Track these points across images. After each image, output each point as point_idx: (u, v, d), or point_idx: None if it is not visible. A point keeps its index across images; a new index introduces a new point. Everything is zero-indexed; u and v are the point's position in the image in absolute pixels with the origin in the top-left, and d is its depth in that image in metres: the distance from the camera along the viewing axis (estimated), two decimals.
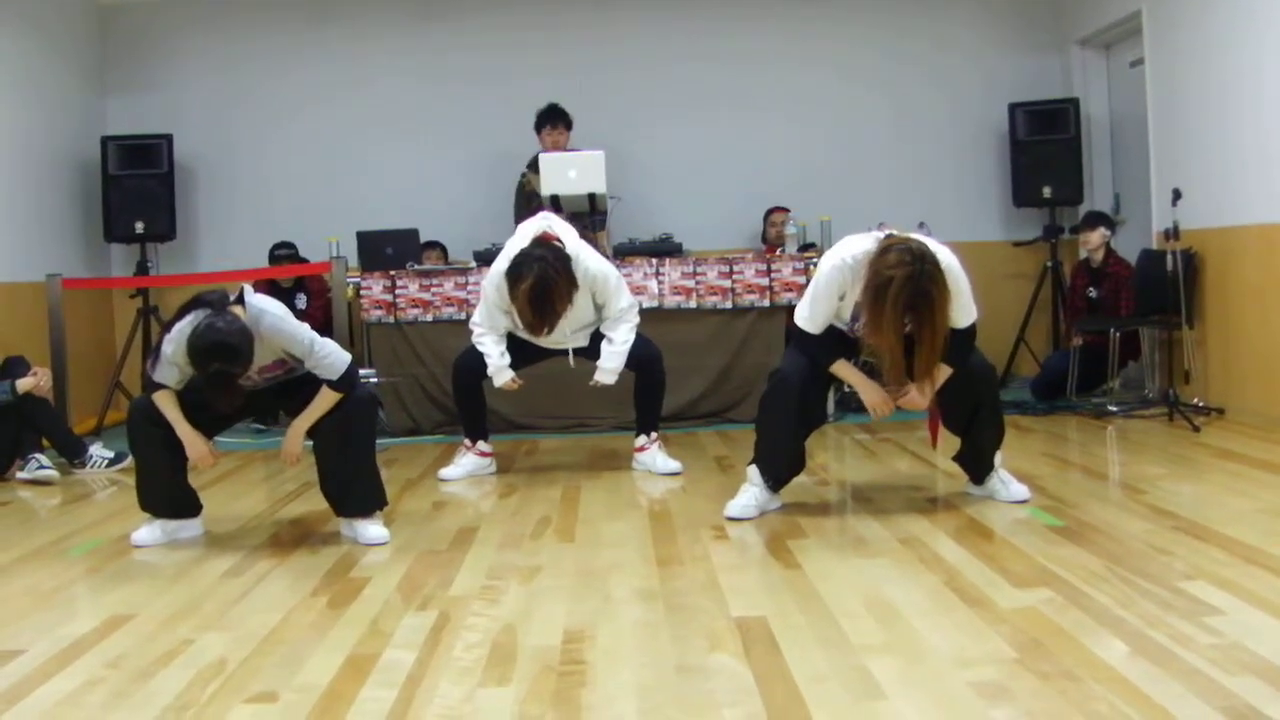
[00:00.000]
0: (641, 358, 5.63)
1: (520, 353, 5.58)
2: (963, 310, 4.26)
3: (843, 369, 4.49)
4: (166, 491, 4.46)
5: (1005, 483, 4.59)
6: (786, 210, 8.04)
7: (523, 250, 5.21)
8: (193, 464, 4.39)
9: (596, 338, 5.59)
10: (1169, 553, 3.70)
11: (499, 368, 5.49)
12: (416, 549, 4.22)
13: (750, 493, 4.54)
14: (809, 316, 4.42)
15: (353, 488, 4.41)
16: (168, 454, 4.37)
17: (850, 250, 4.28)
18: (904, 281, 4.01)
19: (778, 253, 7.83)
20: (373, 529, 4.36)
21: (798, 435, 4.54)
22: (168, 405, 4.29)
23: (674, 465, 5.60)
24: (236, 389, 4.11)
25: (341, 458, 4.37)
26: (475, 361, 5.57)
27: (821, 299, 4.37)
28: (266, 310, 4.22)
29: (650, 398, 5.73)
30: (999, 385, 4.76)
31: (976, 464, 4.64)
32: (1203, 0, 6.79)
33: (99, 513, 5.20)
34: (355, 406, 4.36)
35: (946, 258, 4.17)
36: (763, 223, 8.38)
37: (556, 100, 7.93)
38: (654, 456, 5.65)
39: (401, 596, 3.60)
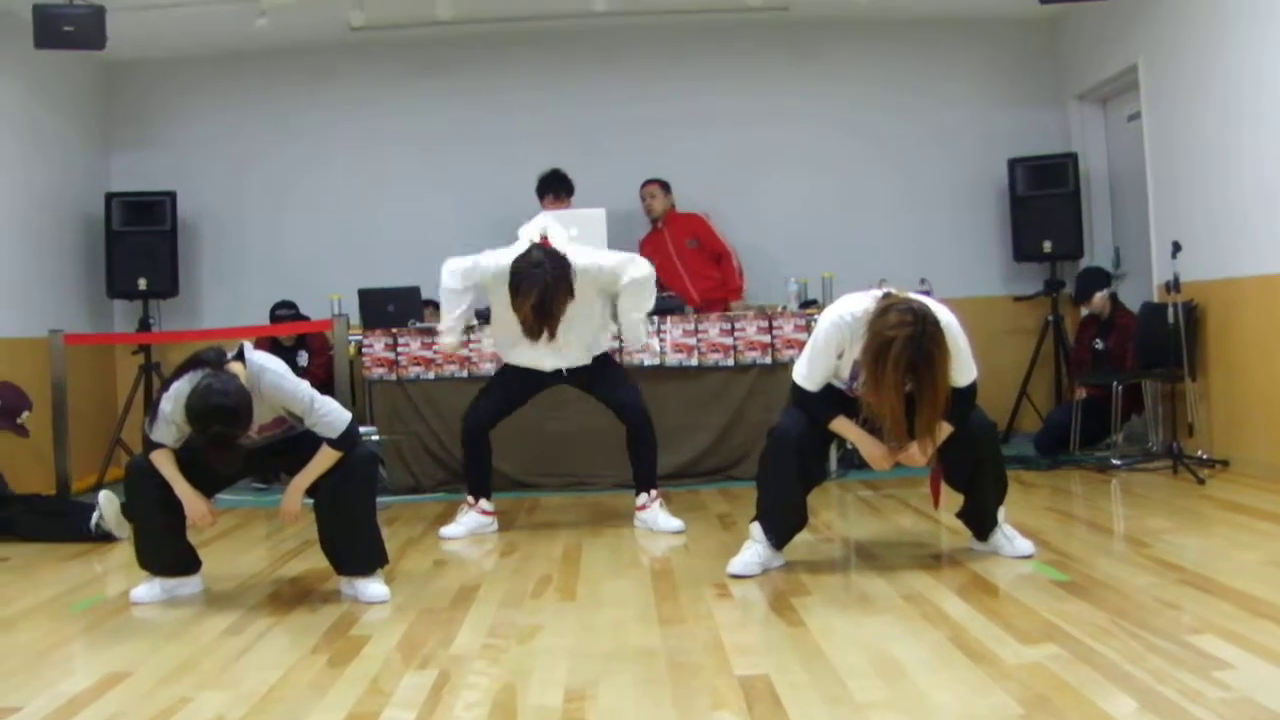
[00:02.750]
0: (631, 412, 5.62)
1: (521, 384, 5.59)
2: (963, 369, 4.26)
3: (842, 425, 4.47)
4: (166, 550, 4.44)
5: (1010, 538, 4.57)
6: (658, 183, 8.18)
7: (522, 256, 5.25)
8: (191, 523, 4.36)
9: (598, 362, 5.59)
10: (1176, 606, 3.67)
11: (450, 328, 5.56)
12: (417, 607, 4.19)
13: (753, 550, 4.51)
14: (807, 375, 4.43)
15: (353, 546, 4.39)
16: (167, 513, 4.35)
17: (849, 308, 4.28)
18: (905, 342, 4.00)
19: (657, 226, 8.11)
20: (373, 587, 4.33)
21: (799, 491, 4.52)
22: (165, 464, 4.28)
23: (676, 524, 5.56)
24: (236, 450, 4.09)
25: (342, 516, 4.35)
26: (484, 417, 5.59)
27: (820, 356, 4.37)
28: (266, 368, 4.21)
29: (643, 455, 5.71)
30: (1000, 442, 4.74)
31: (980, 520, 4.62)
32: (1198, 54, 6.83)
33: (98, 569, 5.18)
34: (355, 465, 4.35)
35: (946, 317, 4.17)
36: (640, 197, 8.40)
37: (559, 162, 7.97)
38: (655, 515, 5.62)
39: (402, 655, 3.57)
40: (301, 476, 4.35)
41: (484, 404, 5.67)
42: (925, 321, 4.04)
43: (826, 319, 4.37)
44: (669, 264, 8.06)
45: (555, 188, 7.91)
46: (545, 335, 5.27)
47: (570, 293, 5.24)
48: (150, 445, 4.28)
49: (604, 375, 5.69)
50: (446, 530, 5.63)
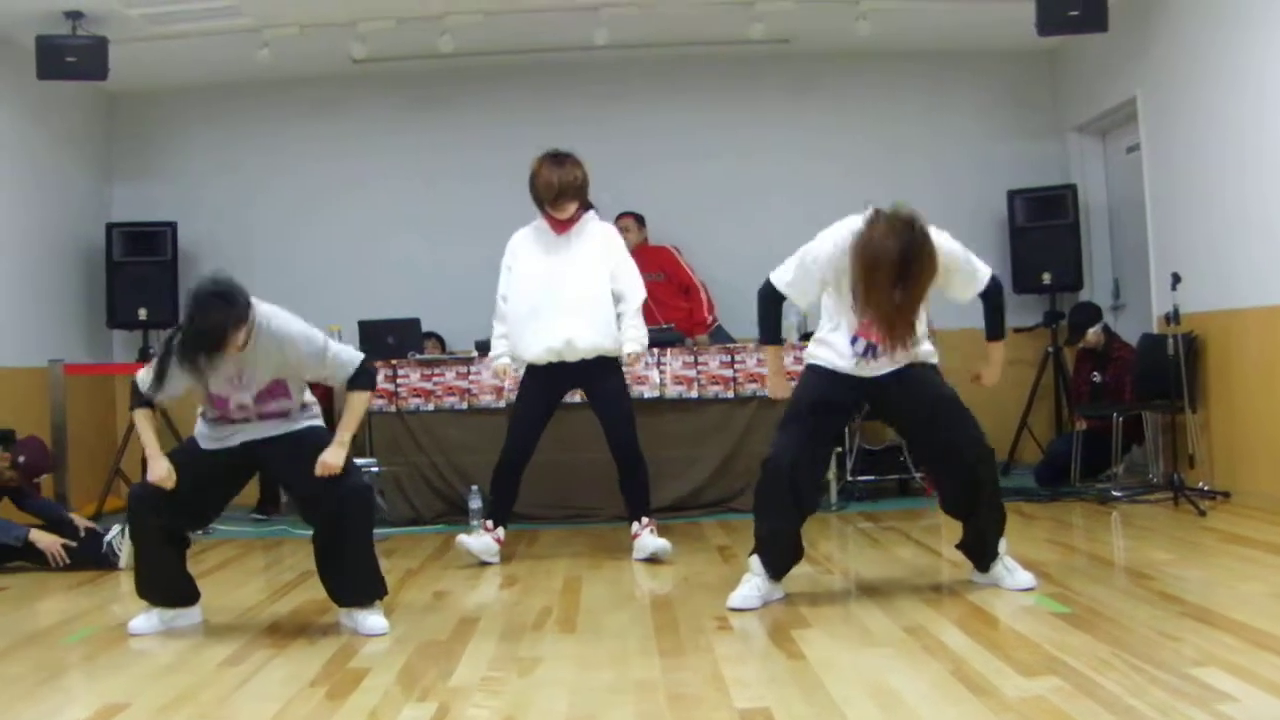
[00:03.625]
0: (625, 452, 5.65)
1: (540, 389, 5.63)
2: (975, 274, 4.40)
3: (771, 353, 4.61)
4: (165, 580, 4.43)
5: (1011, 570, 4.55)
6: (633, 216, 8.23)
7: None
8: (153, 480, 4.25)
9: (606, 364, 5.61)
10: (1178, 639, 3.66)
11: (499, 355, 5.74)
12: (416, 639, 4.17)
13: (752, 583, 4.49)
14: (785, 278, 4.49)
15: (351, 578, 4.37)
16: (167, 545, 4.35)
17: (848, 228, 4.32)
18: (895, 244, 4.07)
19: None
20: (372, 619, 4.32)
21: (794, 522, 4.51)
22: (145, 426, 4.28)
23: (662, 542, 5.59)
24: (229, 349, 4.06)
25: (339, 548, 4.34)
26: (517, 456, 5.64)
27: (805, 269, 4.44)
28: (276, 312, 4.24)
29: (635, 491, 5.73)
30: (997, 469, 4.74)
31: (980, 550, 4.60)
32: (1197, 85, 6.86)
33: (95, 599, 5.16)
34: (351, 497, 4.33)
35: (936, 233, 4.22)
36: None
37: None
38: (647, 540, 5.62)
39: (401, 687, 3.55)
40: (343, 429, 4.34)
41: (516, 433, 5.67)
42: (914, 227, 4.11)
43: (828, 239, 4.39)
44: None
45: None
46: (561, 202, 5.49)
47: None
48: (136, 398, 4.30)
49: (608, 387, 5.68)
50: (467, 539, 5.66)
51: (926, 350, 4.49)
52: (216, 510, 4.53)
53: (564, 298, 5.50)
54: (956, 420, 4.43)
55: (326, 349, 4.28)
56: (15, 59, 7.35)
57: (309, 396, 4.48)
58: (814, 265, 4.41)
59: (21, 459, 5.99)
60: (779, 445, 4.49)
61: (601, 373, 5.63)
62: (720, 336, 7.99)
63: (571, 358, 5.54)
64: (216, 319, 4.01)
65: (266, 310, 4.22)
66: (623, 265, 5.65)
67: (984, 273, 4.48)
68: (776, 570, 4.53)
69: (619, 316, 5.60)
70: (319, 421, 4.47)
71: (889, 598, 4.52)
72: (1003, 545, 4.59)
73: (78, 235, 8.45)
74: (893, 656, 3.68)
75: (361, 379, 4.36)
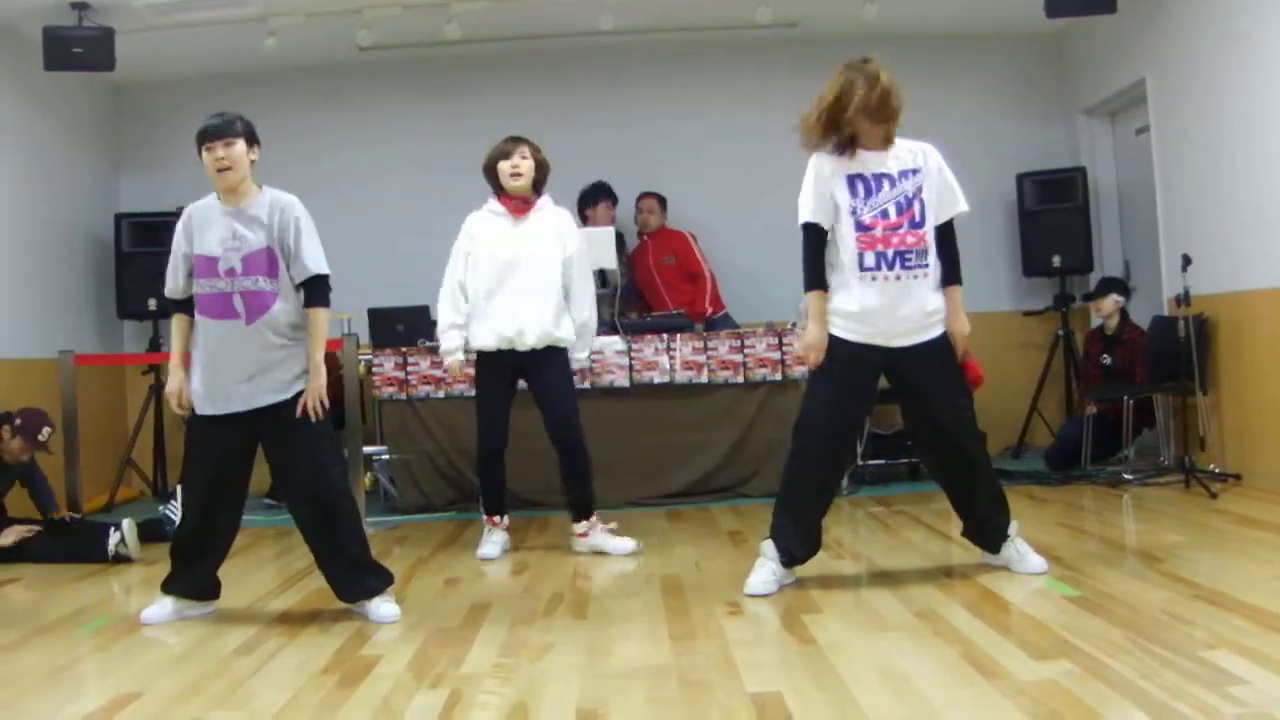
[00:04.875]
0: (561, 429, 5.56)
1: (497, 375, 5.57)
2: (955, 194, 4.47)
3: (816, 300, 4.43)
4: (195, 573, 4.45)
5: (1023, 554, 4.54)
6: (657, 197, 8.29)
7: None
8: (167, 392, 4.43)
9: (553, 355, 5.57)
10: (1190, 622, 3.65)
11: (453, 349, 5.61)
12: (428, 627, 4.18)
13: (767, 568, 4.49)
14: (808, 207, 4.44)
15: (353, 577, 4.39)
16: (205, 536, 4.40)
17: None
18: (865, 71, 4.36)
19: (643, 238, 8.30)
20: (384, 607, 4.33)
21: (816, 517, 4.52)
22: (175, 333, 4.43)
23: (628, 545, 5.52)
24: (233, 142, 4.34)
25: (334, 550, 4.36)
26: (495, 437, 5.57)
27: (810, 186, 4.44)
28: (296, 200, 4.39)
29: (575, 480, 5.64)
30: (986, 447, 4.70)
31: (984, 531, 4.60)
32: (1206, 67, 6.83)
33: (107, 590, 5.18)
34: (330, 497, 4.33)
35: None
36: (636, 209, 8.49)
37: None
38: (601, 539, 5.57)
39: (413, 675, 3.56)
40: (313, 350, 4.32)
41: (486, 419, 5.61)
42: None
43: (816, 157, 4.47)
44: (648, 277, 8.22)
45: (601, 195, 8.19)
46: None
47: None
48: (170, 305, 4.48)
49: (555, 374, 5.59)
50: (486, 552, 5.56)
51: (935, 304, 4.45)
52: (244, 491, 4.49)
53: (519, 285, 5.47)
54: (954, 397, 4.43)
55: (308, 235, 4.32)
56: (22, 50, 7.35)
57: (300, 318, 4.37)
58: (819, 180, 4.41)
59: (18, 421, 6.02)
60: (812, 403, 4.46)
61: (550, 359, 5.57)
62: (719, 329, 7.97)
63: (521, 347, 5.50)
64: (231, 115, 4.39)
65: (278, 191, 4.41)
66: (575, 259, 5.61)
67: (963, 202, 4.49)
68: (791, 559, 4.53)
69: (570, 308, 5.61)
70: (303, 365, 4.35)
71: (900, 582, 4.52)
72: (1013, 528, 4.58)
73: (86, 226, 8.47)
74: (904, 640, 3.69)
75: (315, 297, 4.34)
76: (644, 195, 8.38)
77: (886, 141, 4.44)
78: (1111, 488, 6.69)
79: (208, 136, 4.34)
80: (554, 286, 5.53)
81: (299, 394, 4.30)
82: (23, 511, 6.18)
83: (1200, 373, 6.58)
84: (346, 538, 4.36)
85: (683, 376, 6.99)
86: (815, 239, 4.46)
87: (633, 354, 6.97)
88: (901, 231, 4.34)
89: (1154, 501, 6.18)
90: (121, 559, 5.73)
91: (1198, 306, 6.63)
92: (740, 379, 7.01)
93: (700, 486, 6.97)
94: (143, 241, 8.47)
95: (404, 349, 7.09)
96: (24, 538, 5.89)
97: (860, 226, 4.34)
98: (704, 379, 7.01)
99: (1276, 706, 2.80)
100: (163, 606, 4.42)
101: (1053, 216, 8.44)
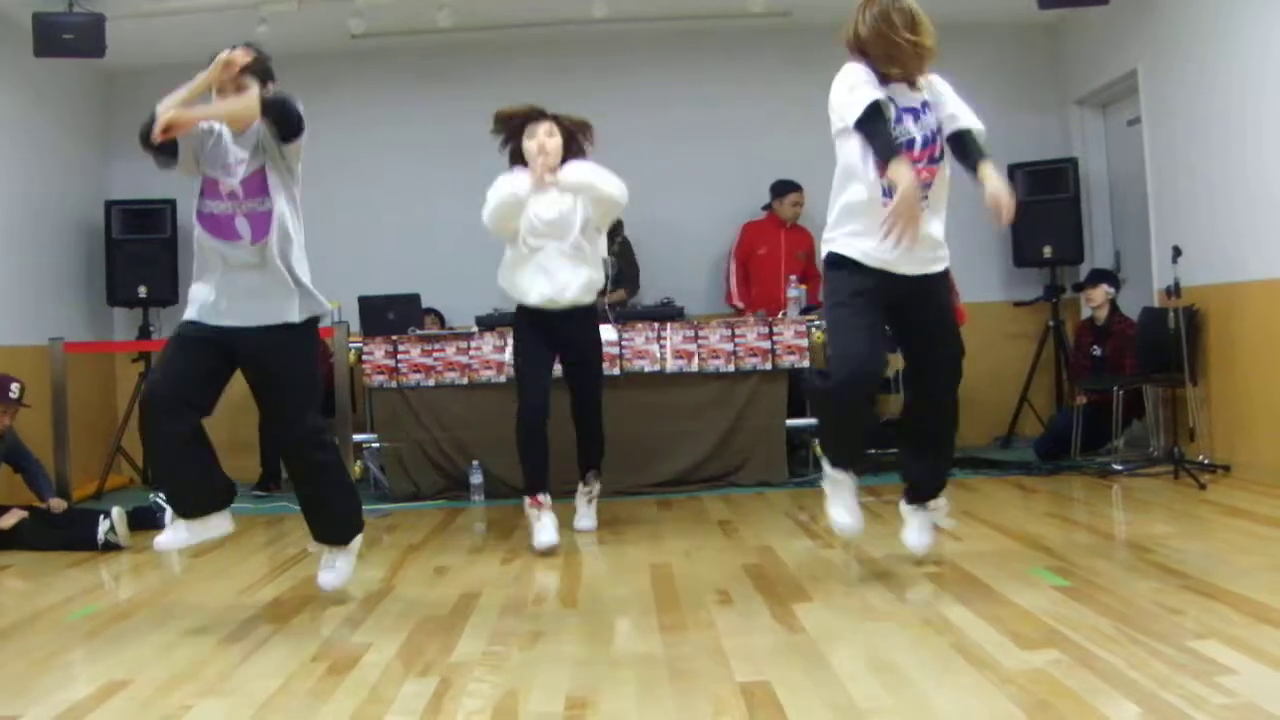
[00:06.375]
0: (591, 418, 5.70)
1: (536, 332, 5.54)
2: (967, 108, 4.60)
3: (899, 167, 4.22)
4: (195, 485, 4.19)
5: (922, 525, 4.56)
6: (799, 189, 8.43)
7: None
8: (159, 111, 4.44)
9: (591, 323, 5.64)
10: (1179, 612, 3.66)
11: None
12: (417, 615, 4.18)
13: (840, 496, 4.47)
14: (864, 93, 4.25)
15: (324, 519, 4.43)
16: (191, 445, 4.12)
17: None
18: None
19: (786, 224, 8.44)
20: (330, 573, 4.41)
21: (861, 419, 4.59)
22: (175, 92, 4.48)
23: (588, 523, 5.76)
24: (245, 69, 4.60)
25: (318, 496, 4.38)
26: (537, 412, 5.43)
27: (855, 79, 4.32)
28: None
29: (593, 452, 5.82)
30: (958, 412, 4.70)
31: (929, 483, 4.59)
32: (1199, 58, 6.84)
33: (97, 577, 5.17)
34: (308, 440, 4.29)
35: None
36: (780, 202, 8.54)
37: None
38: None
39: (402, 663, 3.56)
40: (214, 106, 4.53)
41: (527, 387, 5.48)
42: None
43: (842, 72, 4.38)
44: (774, 261, 8.37)
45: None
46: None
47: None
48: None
49: (590, 352, 5.68)
50: (545, 539, 5.30)
51: (941, 235, 4.47)
52: (212, 403, 4.24)
53: (564, 246, 5.50)
54: (949, 339, 4.43)
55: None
56: (13, 37, 7.32)
57: (301, 253, 4.33)
58: (855, 74, 4.33)
59: None
60: (842, 343, 4.32)
61: (590, 334, 5.63)
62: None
63: (560, 306, 5.49)
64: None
65: None
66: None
67: (975, 118, 4.58)
68: (854, 458, 4.52)
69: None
70: (299, 301, 4.26)
71: (890, 572, 4.53)
72: (944, 500, 4.62)
73: (77, 213, 8.44)
74: (893, 630, 3.69)
75: (275, 109, 4.58)
76: (798, 189, 8.43)
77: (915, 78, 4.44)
78: (1101, 478, 6.70)
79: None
80: (589, 250, 5.57)
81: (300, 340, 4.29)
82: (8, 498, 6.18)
83: (1190, 364, 6.59)
84: (326, 476, 4.35)
85: (673, 365, 6.99)
86: (879, 119, 4.27)
87: (623, 342, 6.96)
88: (920, 166, 4.36)
89: (1143, 492, 6.19)
90: (111, 546, 5.74)
91: (1188, 298, 6.64)
92: (731, 368, 7.00)
93: (691, 475, 6.97)
94: (133, 228, 8.44)
95: (394, 337, 7.08)
96: (22, 519, 5.89)
97: None
98: (694, 368, 7.00)
99: (1264, 697, 2.81)
100: (176, 530, 4.20)
101: (1044, 207, 8.43)
